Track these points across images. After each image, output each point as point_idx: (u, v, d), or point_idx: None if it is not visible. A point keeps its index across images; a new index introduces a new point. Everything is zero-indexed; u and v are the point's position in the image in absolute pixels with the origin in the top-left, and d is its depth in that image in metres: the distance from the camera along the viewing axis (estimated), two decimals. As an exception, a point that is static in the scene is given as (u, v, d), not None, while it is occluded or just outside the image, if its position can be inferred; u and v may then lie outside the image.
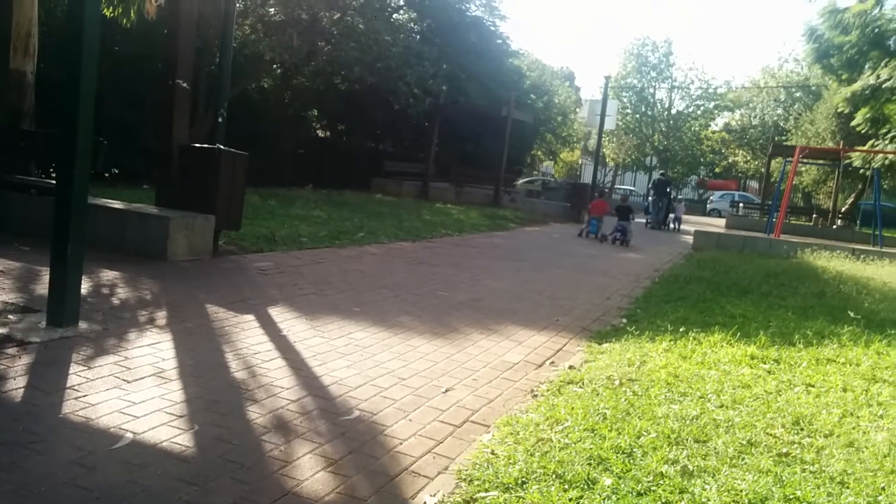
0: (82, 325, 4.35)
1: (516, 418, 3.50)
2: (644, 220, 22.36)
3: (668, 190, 22.90)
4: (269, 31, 17.71)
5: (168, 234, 6.67)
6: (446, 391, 3.96)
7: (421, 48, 19.47)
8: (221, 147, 7.31)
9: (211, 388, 3.59)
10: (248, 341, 4.48)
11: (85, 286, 4.96)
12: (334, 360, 4.30)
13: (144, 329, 4.47)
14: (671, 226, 22.28)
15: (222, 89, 7.74)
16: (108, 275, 5.89)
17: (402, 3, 22.66)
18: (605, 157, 50.44)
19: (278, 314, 5.28)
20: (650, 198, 23.65)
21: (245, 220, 8.42)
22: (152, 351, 4.04)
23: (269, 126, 19.46)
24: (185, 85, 7.35)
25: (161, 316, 4.86)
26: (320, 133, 26.20)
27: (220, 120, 7.53)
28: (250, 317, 5.10)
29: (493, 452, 3.08)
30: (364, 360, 4.34)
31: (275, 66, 19.51)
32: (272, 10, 18.02)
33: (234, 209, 7.52)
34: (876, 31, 19.45)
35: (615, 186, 48.61)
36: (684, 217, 24.14)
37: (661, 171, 29.02)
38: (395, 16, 22.45)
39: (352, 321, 5.29)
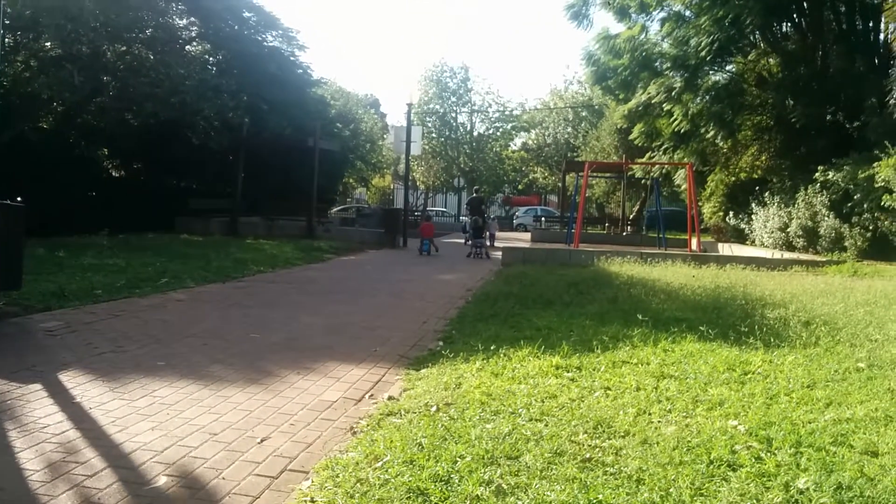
0: None
1: (336, 460, 3.44)
2: (463, 240, 23.35)
3: (482, 207, 23.24)
4: (45, 67, 16.35)
5: (-69, 302, 5.90)
6: (262, 441, 3.82)
7: (218, 81, 18.87)
8: (-8, 200, 6.60)
9: (-11, 474, 3.20)
10: (35, 415, 4.05)
11: None
12: (136, 423, 4.00)
13: None
14: (481, 251, 21.48)
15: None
16: None
17: (193, 34, 21.87)
18: (415, 181, 51.60)
19: (70, 379, 4.83)
20: (468, 217, 23.65)
21: (28, 277, 7.67)
22: (-86, 441, 3.55)
23: (52, 169, 17.89)
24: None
25: (-75, 398, 4.27)
26: (114, 173, 24.50)
27: (-12, 170, 6.80)
28: (37, 386, 4.62)
29: (311, 500, 3.01)
30: (171, 419, 4.08)
31: (54, 104, 18.02)
32: (48, 44, 16.67)
33: (12, 266, 6.80)
34: (644, 54, 21.61)
35: (427, 208, 49.87)
36: (497, 234, 25.36)
37: (475, 188, 31.00)
38: (187, 48, 21.61)
39: (156, 377, 4.96)
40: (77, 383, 4.75)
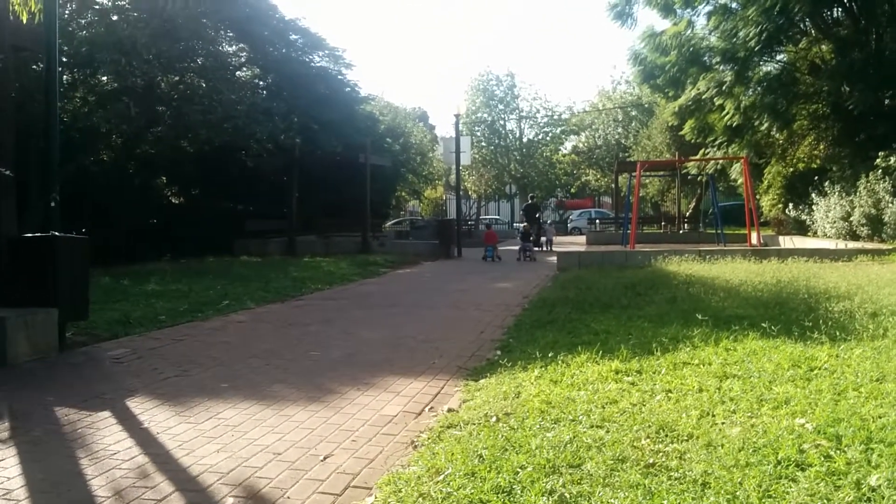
0: (-89, 452, 3.92)
1: (398, 475, 3.46)
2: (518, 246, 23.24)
3: (537, 215, 25.21)
4: (102, 101, 16.98)
5: (5, 336, 6.13)
6: (325, 458, 3.87)
7: (268, 104, 19.28)
8: (56, 234, 6.87)
9: (67, 501, 3.32)
10: (104, 441, 4.19)
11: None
12: (202, 445, 4.10)
13: (-14, 445, 4.09)
14: (545, 248, 23.82)
15: (51, 170, 7.28)
16: (-59, 389, 5.36)
17: (243, 60, 22.43)
18: (467, 191, 51.73)
19: (137, 405, 4.99)
20: (522, 223, 25.57)
21: (94, 306, 7.94)
22: (-4, 470, 3.70)
23: (114, 200, 18.54)
24: (6, 172, 6.87)
25: (3, 428, 4.45)
26: (173, 200, 25.26)
27: (52, 204, 7.08)
28: (106, 413, 4.78)
29: (374, 516, 3.04)
30: (235, 441, 4.17)
31: (113, 136, 18.69)
32: (104, 79, 17.31)
33: (79, 297, 7.06)
34: (691, 49, 21.25)
35: (480, 217, 49.93)
36: (555, 239, 26.50)
37: (530, 196, 31.95)
38: (237, 73, 22.18)
39: (220, 399, 5.08)
40: (144, 409, 4.90)
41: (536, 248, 22.69)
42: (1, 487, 3.47)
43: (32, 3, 7.89)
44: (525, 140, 53.98)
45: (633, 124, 49.15)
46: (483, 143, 51.69)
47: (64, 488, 3.49)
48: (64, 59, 15.38)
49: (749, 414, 3.97)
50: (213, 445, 4.10)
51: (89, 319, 7.63)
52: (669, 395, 4.47)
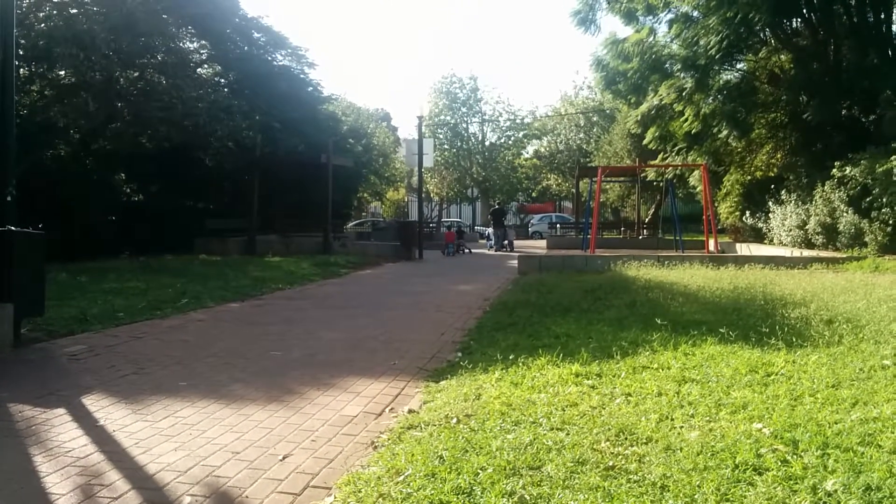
0: None
1: (358, 475, 3.44)
2: (487, 245, 28.69)
3: (503, 219, 28.73)
4: (60, 95, 16.58)
5: (-44, 332, 5.98)
6: (284, 458, 3.83)
7: (230, 102, 19.01)
8: (13, 228, 6.69)
9: (20, 498, 3.24)
10: (60, 438, 4.09)
11: None
12: (160, 444, 4.03)
13: (-68, 445, 3.96)
14: (506, 249, 26.78)
15: (7, 165, 7.09)
16: None
17: (204, 57, 22.09)
18: (429, 193, 51.74)
19: (94, 402, 4.88)
20: (490, 226, 29.91)
21: (51, 302, 7.76)
22: (-57, 469, 3.59)
23: (71, 195, 18.11)
24: (-39, 165, 6.68)
25: (-48, 426, 4.33)
26: (132, 197, 24.77)
27: (8, 199, 6.90)
28: (61, 410, 4.67)
29: (334, 517, 3.01)
30: (193, 439, 4.11)
31: (71, 131, 18.26)
32: (62, 73, 16.90)
33: (35, 293, 6.89)
34: (653, 56, 21.55)
35: (442, 219, 49.99)
36: (515, 242, 29.29)
37: (498, 201, 34.27)
38: (198, 70, 21.82)
39: (178, 398, 5.00)
40: (100, 406, 4.79)
41: (502, 251, 25.96)
42: (-53, 488, 3.36)
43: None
44: (487, 143, 54.18)
45: (594, 130, 49.67)
46: (446, 146, 51.75)
47: (17, 485, 3.40)
48: (21, 52, 14.97)
49: (707, 418, 4.04)
50: (170, 444, 4.03)
51: (45, 316, 7.47)
52: (629, 398, 4.52)
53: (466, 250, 25.92)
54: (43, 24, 15.95)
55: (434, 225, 39.91)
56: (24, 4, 15.52)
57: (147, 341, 7.24)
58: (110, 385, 5.38)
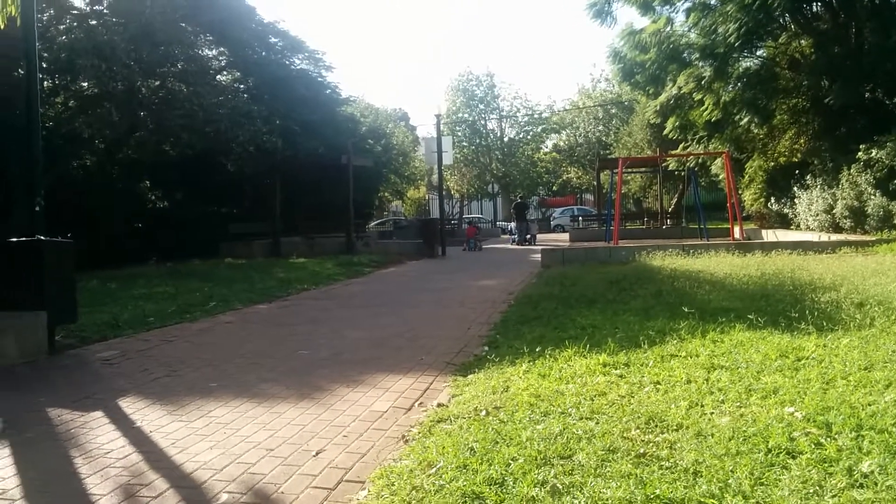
0: None
1: (390, 468, 3.48)
2: (511, 239, 29.36)
3: (525, 213, 29.11)
4: (83, 106, 16.86)
5: (-5, 339, 6.12)
6: (317, 454, 3.88)
7: (250, 107, 19.19)
8: (42, 238, 6.83)
9: (62, 499, 3.32)
10: (98, 441, 4.18)
11: None
12: (195, 443, 4.10)
13: (-25, 449, 4.06)
14: (529, 242, 27.50)
15: (34, 175, 7.24)
16: (-73, 395, 5.31)
17: (223, 64, 22.31)
18: (449, 190, 51.78)
19: (129, 405, 4.97)
20: (513, 221, 30.86)
21: (83, 309, 7.90)
22: (-12, 472, 3.68)
23: (99, 205, 18.40)
24: (-9, 178, 6.83)
25: (-6, 431, 4.44)
26: (157, 204, 25.09)
27: (37, 209, 7.04)
28: (98, 413, 4.77)
29: (369, 509, 3.05)
30: (228, 438, 4.18)
31: (96, 141, 18.55)
32: (84, 84, 17.17)
33: (67, 300, 7.03)
34: (671, 46, 21.36)
35: (463, 216, 50.02)
36: (538, 236, 30.08)
37: (520, 196, 34.66)
38: (218, 77, 22.05)
39: (211, 398, 5.08)
40: (136, 408, 4.89)
41: (525, 245, 26.59)
42: (-6, 489, 3.46)
43: (12, 8, 7.82)
44: (506, 139, 54.12)
45: (613, 122, 49.41)
46: (464, 143, 51.78)
47: (59, 487, 3.49)
48: (44, 65, 15.23)
49: (738, 404, 4.02)
50: (205, 443, 4.10)
51: (78, 322, 7.61)
52: (658, 386, 4.51)
53: (478, 247, 26.04)
54: (64, 37, 16.24)
55: (455, 222, 39.95)
56: (45, 17, 15.79)
57: (178, 344, 7.35)
58: (144, 388, 5.48)
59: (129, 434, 4.32)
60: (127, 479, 3.58)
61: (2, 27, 7.60)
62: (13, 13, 7.66)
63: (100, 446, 4.09)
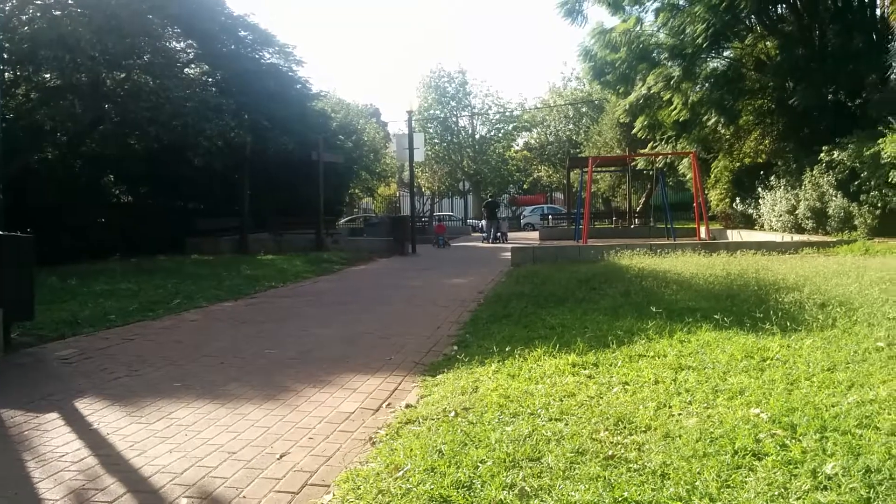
0: None
1: (356, 471, 3.42)
2: (482, 237, 29.75)
3: (496, 211, 29.40)
4: (46, 98, 16.44)
5: (-54, 338, 5.92)
6: (281, 457, 3.80)
7: (218, 101, 18.85)
8: (1, 232, 6.63)
9: (11, 506, 3.20)
10: (53, 443, 4.05)
11: None
12: (155, 446, 3.99)
13: (-76, 453, 3.91)
14: (500, 241, 27.55)
15: (-7, 169, 7.05)
16: None
17: (191, 56, 21.92)
18: (420, 187, 51.69)
19: (87, 406, 4.83)
20: (483, 219, 31.37)
21: (41, 306, 7.71)
22: (-65, 477, 3.55)
23: (60, 198, 17.98)
24: (-54, 170, 6.62)
25: (-56, 433, 4.28)
26: (122, 198, 24.61)
27: (-6, 202, 6.85)
28: (54, 415, 4.62)
29: (334, 514, 2.99)
30: (189, 441, 4.08)
31: (58, 134, 18.11)
32: (47, 75, 16.75)
33: (24, 296, 6.82)
34: (640, 46, 21.55)
35: (434, 213, 49.97)
36: (508, 233, 30.34)
37: (490, 195, 34.91)
38: (185, 70, 21.67)
39: (172, 399, 4.96)
40: (94, 410, 4.75)
41: (495, 243, 26.69)
42: (-60, 496, 3.33)
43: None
44: (477, 137, 54.20)
45: (583, 120, 49.75)
46: (436, 140, 51.75)
47: (10, 491, 3.36)
48: (5, 56, 14.83)
49: (705, 405, 4.03)
50: (165, 446, 3.99)
51: (35, 320, 7.39)
52: (626, 387, 4.51)
53: (447, 244, 26.32)
54: (27, 27, 15.80)
55: (426, 220, 39.88)
56: (7, 7, 15.37)
57: (140, 343, 7.19)
58: (103, 388, 5.34)
59: (85, 436, 4.19)
60: (82, 483, 3.47)
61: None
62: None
63: (54, 449, 3.97)
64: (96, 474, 3.59)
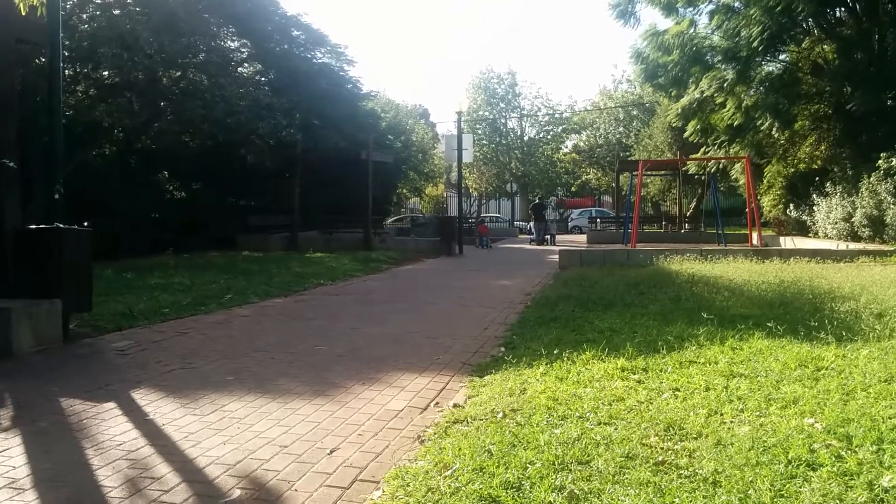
0: (-83, 442, 3.92)
1: (405, 469, 3.45)
2: (529, 239, 29.62)
3: (543, 213, 29.21)
4: (104, 95, 16.95)
5: (11, 327, 6.13)
6: (331, 452, 3.85)
7: (270, 100, 19.23)
8: (61, 226, 6.87)
9: (73, 490, 3.32)
10: (110, 432, 4.18)
11: (-83, 398, 4.49)
12: (208, 437, 4.09)
13: (-9, 436, 4.08)
14: (548, 243, 27.52)
15: (55, 162, 7.28)
16: (-55, 380, 5.35)
17: (245, 56, 22.39)
18: (468, 188, 51.73)
19: (142, 397, 4.98)
20: (531, 220, 31.01)
21: (98, 298, 7.94)
22: (2, 460, 3.69)
23: (117, 194, 18.51)
24: (11, 164, 6.86)
25: (8, 418, 4.45)
26: (175, 194, 25.22)
27: (56, 196, 7.08)
28: (111, 404, 4.77)
29: (383, 510, 3.02)
30: (241, 433, 4.16)
31: (115, 130, 18.66)
32: (105, 73, 17.27)
33: (83, 289, 7.05)
34: (694, 48, 21.18)
35: (481, 215, 49.97)
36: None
37: (538, 196, 35.01)
38: (239, 69, 22.13)
39: (225, 392, 5.07)
40: (149, 400, 4.89)
41: (543, 245, 26.76)
42: (7, 477, 3.46)
43: (36, -5, 7.87)
44: (526, 138, 54.03)
45: (634, 123, 49.16)
46: (484, 142, 51.73)
47: (70, 478, 3.47)
48: (66, 53, 15.29)
49: (758, 413, 3.96)
50: (218, 437, 4.09)
51: (93, 311, 7.62)
52: (677, 393, 4.46)
53: (489, 245, 26.42)
54: (87, 26, 16.33)
55: (473, 220, 39.93)
56: (68, 6, 15.89)
57: (193, 336, 7.36)
58: (158, 379, 5.48)
59: (141, 426, 4.32)
60: (138, 472, 3.57)
61: (23, 13, 7.65)
62: (34, 2, 7.72)
63: (112, 438, 4.09)
64: (152, 463, 3.69)
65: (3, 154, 6.85)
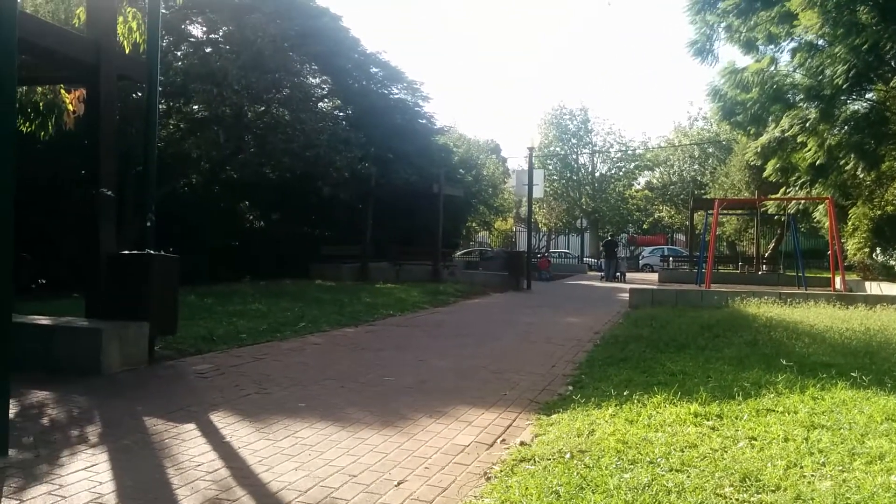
0: (11, 453, 4.16)
1: (472, 505, 3.46)
2: (599, 276, 30.04)
3: (615, 250, 29.72)
4: (193, 128, 17.79)
5: (101, 347, 6.47)
6: (399, 484, 3.89)
7: (348, 134, 19.80)
8: (151, 252, 7.21)
9: (154, 508, 3.46)
10: (190, 453, 4.34)
11: (12, 410, 4.76)
12: (281, 462, 4.20)
13: (78, 451, 4.29)
14: (618, 280, 27.86)
15: (149, 192, 7.69)
16: (38, 395, 5.66)
17: (325, 92, 23.13)
18: (537, 223, 51.58)
19: (220, 419, 5.15)
20: (601, 257, 32.08)
21: (182, 322, 8.25)
22: (88, 475, 3.87)
23: (200, 222, 19.28)
24: (109, 193, 7.28)
25: (96, 435, 4.68)
26: (254, 223, 26.08)
27: (148, 224, 7.46)
28: (191, 426, 4.95)
29: (450, 545, 3.03)
30: (312, 460, 4.25)
31: (202, 162, 19.52)
32: (195, 107, 18.14)
33: (168, 313, 7.37)
34: (774, 86, 20.71)
35: (549, 250, 49.68)
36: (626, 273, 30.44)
37: (610, 234, 35.19)
38: (319, 104, 22.86)
39: (297, 419, 5.19)
40: (226, 423, 5.05)
41: (613, 282, 27.09)
42: (94, 492, 3.63)
43: (137, 34, 8.40)
44: (597, 174, 53.63)
45: (709, 161, 48.17)
46: (555, 177, 51.59)
47: (152, 496, 3.62)
48: (160, 89, 16.15)
49: (840, 468, 3.81)
50: (291, 463, 4.18)
51: (176, 335, 7.94)
52: (753, 442, 4.33)
53: (549, 278, 27.14)
54: (180, 63, 17.22)
55: (541, 255, 39.74)
56: (164, 44, 16.82)
57: (268, 362, 7.56)
58: (235, 403, 5.66)
59: (219, 448, 4.46)
60: (215, 492, 3.69)
61: (127, 52, 8.17)
62: (138, 39, 8.24)
63: (191, 458, 4.24)
64: (228, 485, 3.81)
65: (103, 185, 7.26)
